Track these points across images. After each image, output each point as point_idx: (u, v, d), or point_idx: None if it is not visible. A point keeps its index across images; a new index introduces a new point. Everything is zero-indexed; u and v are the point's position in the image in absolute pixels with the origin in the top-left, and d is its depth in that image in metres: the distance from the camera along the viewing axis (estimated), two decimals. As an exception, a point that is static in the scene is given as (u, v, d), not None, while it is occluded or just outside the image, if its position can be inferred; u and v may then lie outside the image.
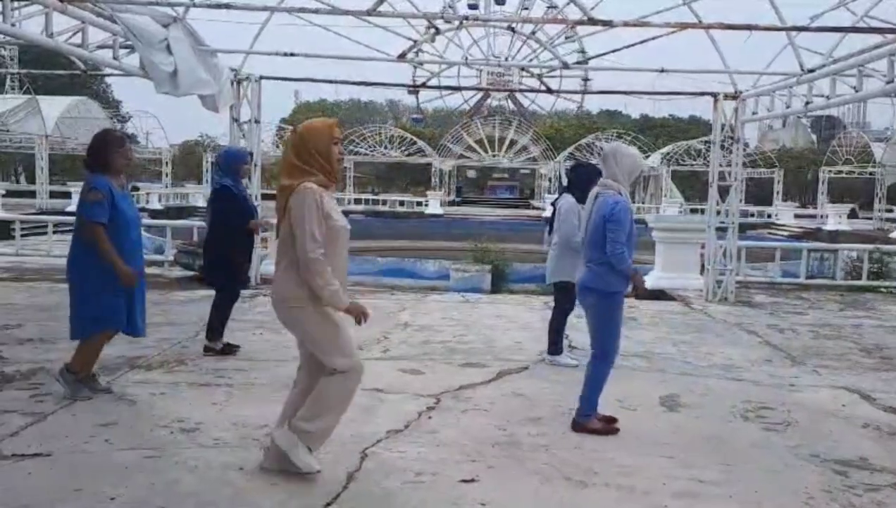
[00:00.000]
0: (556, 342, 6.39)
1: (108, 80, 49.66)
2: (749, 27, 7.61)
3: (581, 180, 6.16)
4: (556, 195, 9.60)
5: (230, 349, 6.37)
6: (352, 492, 3.62)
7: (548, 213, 8.81)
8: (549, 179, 46.92)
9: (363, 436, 4.36)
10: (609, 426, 4.63)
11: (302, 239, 3.45)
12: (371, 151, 44.52)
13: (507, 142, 50.38)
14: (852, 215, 33.77)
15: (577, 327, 6.50)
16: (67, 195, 28.67)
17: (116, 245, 4.75)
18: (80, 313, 4.87)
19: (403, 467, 3.94)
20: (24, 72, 33.45)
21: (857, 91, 8.00)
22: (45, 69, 21.46)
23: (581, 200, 6.20)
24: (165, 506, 3.39)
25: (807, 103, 9.10)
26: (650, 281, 11.40)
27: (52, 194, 30.59)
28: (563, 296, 6.30)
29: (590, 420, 4.61)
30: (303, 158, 3.56)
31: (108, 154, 4.81)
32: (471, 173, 54.52)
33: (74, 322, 4.91)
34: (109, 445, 4.13)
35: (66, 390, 4.89)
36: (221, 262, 6.25)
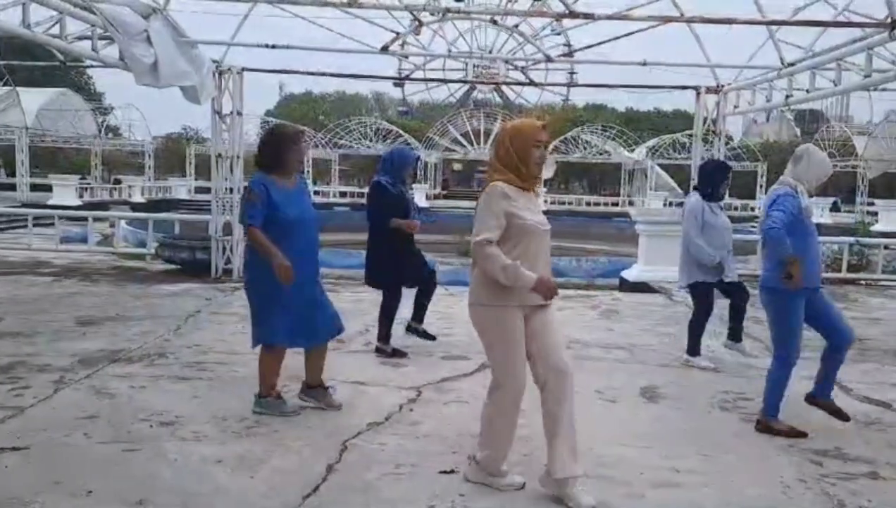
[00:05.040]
0: (694, 344, 6.30)
1: (89, 71, 49.10)
2: (729, 21, 7.67)
3: (707, 175, 6.20)
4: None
5: (400, 353, 6.25)
6: (332, 484, 3.63)
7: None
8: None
9: (344, 428, 4.38)
10: (795, 430, 4.59)
11: (475, 230, 3.46)
12: (356, 144, 44.36)
13: (492, 135, 50.33)
14: (834, 208, 34.04)
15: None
16: (48, 188, 28.41)
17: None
18: (253, 323, 4.58)
19: (384, 459, 3.96)
20: (3, 63, 32.97)
21: (836, 85, 8.07)
22: (23, 60, 21.16)
23: (711, 197, 6.17)
24: (145, 499, 3.39)
25: (787, 97, 9.19)
26: (633, 274, 11.45)
27: (33, 187, 30.28)
28: (701, 298, 6.23)
29: (773, 420, 4.63)
30: (500, 156, 3.57)
31: (281, 152, 4.40)
32: (457, 166, 54.48)
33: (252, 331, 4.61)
34: (88, 438, 4.12)
35: (273, 412, 4.56)
36: (385, 261, 6.08)
